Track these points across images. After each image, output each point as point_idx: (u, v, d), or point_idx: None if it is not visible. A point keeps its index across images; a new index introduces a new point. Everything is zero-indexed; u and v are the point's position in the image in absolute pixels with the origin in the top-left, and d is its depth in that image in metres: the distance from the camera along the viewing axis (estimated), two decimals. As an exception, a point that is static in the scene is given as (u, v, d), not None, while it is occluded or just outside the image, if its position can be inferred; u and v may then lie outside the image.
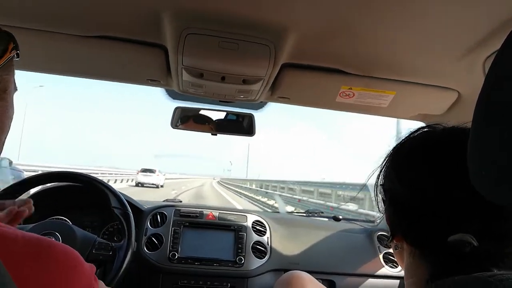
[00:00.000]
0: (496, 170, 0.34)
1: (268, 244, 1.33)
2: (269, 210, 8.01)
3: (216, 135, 1.34)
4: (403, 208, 0.51)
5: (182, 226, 1.31)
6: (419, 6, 0.69)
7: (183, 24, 0.80)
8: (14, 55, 0.49)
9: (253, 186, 25.60)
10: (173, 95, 1.28)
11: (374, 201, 0.59)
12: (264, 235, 1.35)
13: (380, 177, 0.57)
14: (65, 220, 1.17)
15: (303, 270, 0.86)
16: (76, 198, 1.34)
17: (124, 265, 1.00)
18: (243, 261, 1.26)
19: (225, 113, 1.32)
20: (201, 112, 1.32)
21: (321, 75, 1.02)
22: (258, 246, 1.32)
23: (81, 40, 0.91)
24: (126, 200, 1.14)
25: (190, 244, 1.29)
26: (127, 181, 24.30)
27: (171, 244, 1.26)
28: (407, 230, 0.52)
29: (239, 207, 7.74)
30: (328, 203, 10.12)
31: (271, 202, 14.93)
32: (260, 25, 0.79)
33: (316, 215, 1.79)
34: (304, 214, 1.86)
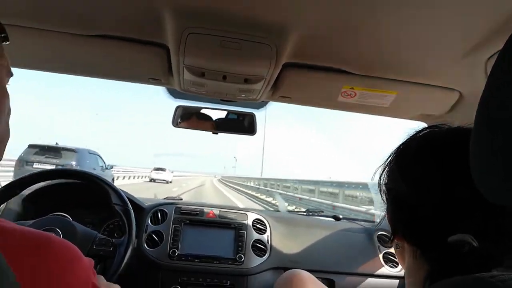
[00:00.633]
0: (498, 170, 0.34)
1: (268, 242, 1.34)
2: (271, 209, 7.99)
3: (217, 133, 1.34)
4: (405, 207, 0.52)
5: (182, 223, 1.32)
6: (421, 6, 0.69)
7: (185, 24, 0.80)
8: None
9: (254, 184, 25.50)
10: (174, 94, 1.28)
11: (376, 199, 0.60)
12: (264, 233, 1.36)
13: (384, 176, 0.57)
14: (66, 216, 1.18)
15: (303, 269, 0.86)
16: (77, 195, 1.35)
17: (125, 261, 1.01)
18: (243, 259, 1.27)
19: (226, 112, 1.32)
20: (202, 111, 1.32)
21: (323, 75, 1.02)
22: (258, 244, 1.32)
23: (83, 39, 0.91)
24: (127, 197, 1.15)
25: (190, 241, 1.29)
26: (133, 178, 26.86)
27: (171, 241, 1.27)
28: (408, 229, 0.52)
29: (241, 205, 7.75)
30: (336, 203, 9.84)
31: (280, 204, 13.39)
32: (262, 24, 0.79)
33: (316, 214, 1.80)
34: (305, 213, 1.87)
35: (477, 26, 0.73)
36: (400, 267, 1.35)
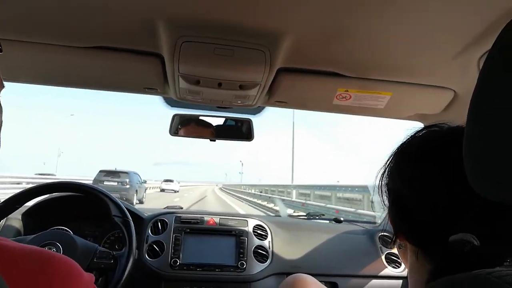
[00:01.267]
0: (490, 168, 0.34)
1: (269, 248, 1.33)
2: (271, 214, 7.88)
3: (215, 140, 1.35)
4: (406, 207, 0.52)
5: (183, 232, 1.31)
6: (413, 7, 0.69)
7: (178, 33, 0.81)
8: None
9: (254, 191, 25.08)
10: (171, 102, 1.29)
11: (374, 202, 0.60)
12: (266, 239, 1.35)
13: (384, 177, 0.57)
14: (66, 230, 1.18)
15: (305, 273, 0.85)
16: (77, 208, 1.34)
17: (126, 273, 1.00)
18: (245, 266, 1.26)
19: (223, 119, 1.33)
20: (199, 118, 1.33)
21: (317, 79, 1.02)
22: (259, 250, 1.32)
23: (78, 51, 0.92)
24: (127, 208, 1.15)
25: (192, 250, 1.29)
26: (149, 189, 28.95)
27: (172, 251, 1.26)
28: (409, 229, 0.52)
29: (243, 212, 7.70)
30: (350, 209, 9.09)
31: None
32: (255, 31, 0.80)
33: (317, 217, 1.79)
34: (305, 217, 1.87)
35: (468, 25, 0.74)
36: (403, 267, 1.35)
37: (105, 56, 0.94)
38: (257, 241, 1.33)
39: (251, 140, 1.32)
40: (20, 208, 1.14)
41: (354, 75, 1.01)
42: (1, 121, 0.50)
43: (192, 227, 1.33)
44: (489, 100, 0.35)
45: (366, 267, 1.35)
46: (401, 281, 1.34)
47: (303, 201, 12.96)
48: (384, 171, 0.57)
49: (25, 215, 1.31)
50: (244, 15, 0.75)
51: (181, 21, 0.77)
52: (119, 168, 15.57)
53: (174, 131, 1.32)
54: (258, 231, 1.37)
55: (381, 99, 1.10)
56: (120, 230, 1.10)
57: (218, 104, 1.17)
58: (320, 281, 0.83)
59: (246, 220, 1.39)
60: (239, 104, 1.14)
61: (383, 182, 0.58)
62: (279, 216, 2.86)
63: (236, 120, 1.33)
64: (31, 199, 1.14)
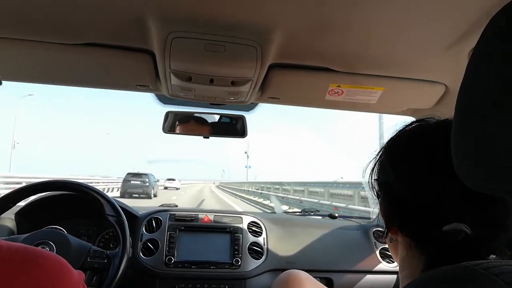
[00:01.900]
0: (477, 159, 0.34)
1: (264, 245, 1.33)
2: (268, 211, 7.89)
3: (208, 138, 1.34)
4: (397, 200, 0.52)
5: (177, 230, 1.31)
6: (402, 1, 0.69)
7: (169, 28, 0.80)
8: None
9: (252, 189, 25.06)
10: (163, 100, 1.28)
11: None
12: (260, 235, 1.36)
13: (375, 171, 0.58)
14: (60, 229, 1.17)
15: (300, 269, 0.86)
16: (71, 207, 1.33)
17: (120, 273, 1.00)
18: (239, 263, 1.26)
19: (216, 116, 1.33)
20: (193, 115, 1.32)
21: (309, 74, 1.02)
22: (254, 247, 1.32)
23: (68, 48, 0.91)
24: (121, 207, 1.14)
25: (186, 248, 1.28)
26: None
27: (167, 248, 1.26)
28: (402, 221, 0.52)
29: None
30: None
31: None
32: (246, 26, 0.80)
33: (312, 213, 1.80)
34: (300, 213, 1.87)
35: (458, 18, 0.74)
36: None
37: (95, 53, 0.93)
38: (251, 238, 1.33)
39: (245, 136, 1.32)
40: (12, 208, 1.14)
41: (345, 70, 1.01)
42: None
43: (186, 224, 1.33)
44: (475, 93, 0.35)
45: (360, 263, 1.36)
46: (395, 276, 1.34)
47: (300, 198, 13.03)
48: (375, 165, 0.58)
49: (18, 214, 1.30)
50: (233, 10, 0.75)
51: (171, 17, 0.77)
52: (141, 171, 20.12)
53: (167, 129, 1.32)
54: (253, 228, 1.37)
55: (373, 94, 1.10)
56: (114, 229, 1.09)
57: (211, 101, 1.16)
58: (315, 277, 0.84)
59: (241, 217, 1.39)
60: (232, 100, 1.14)
61: (374, 176, 0.58)
62: (274, 212, 2.87)
63: (229, 116, 1.33)
64: (25, 198, 1.13)
